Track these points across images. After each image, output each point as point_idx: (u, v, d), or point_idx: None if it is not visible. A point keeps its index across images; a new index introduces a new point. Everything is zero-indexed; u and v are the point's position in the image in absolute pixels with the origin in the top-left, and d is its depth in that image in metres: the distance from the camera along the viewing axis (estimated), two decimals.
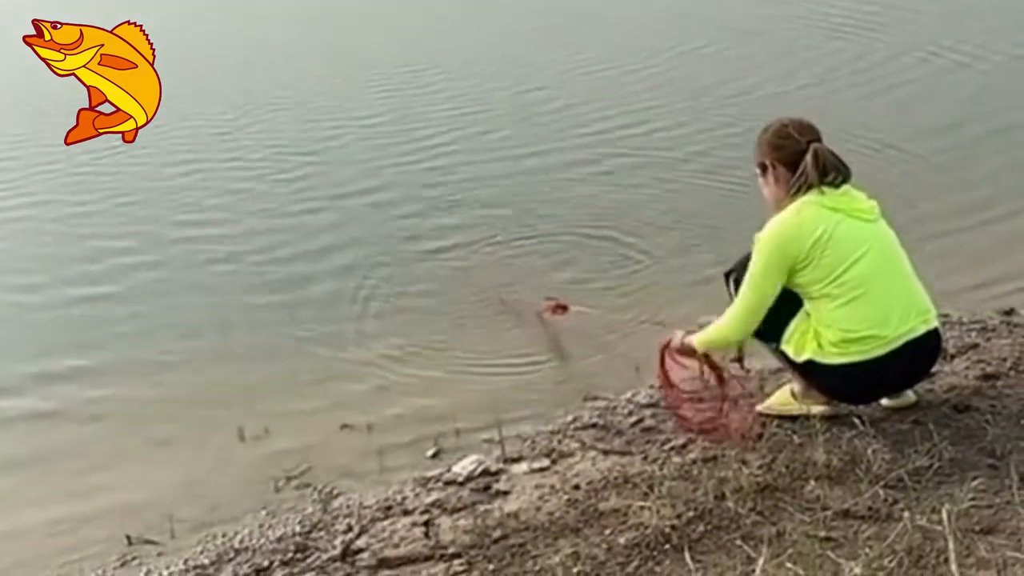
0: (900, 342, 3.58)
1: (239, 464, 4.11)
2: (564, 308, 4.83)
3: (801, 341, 3.65)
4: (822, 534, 3.12)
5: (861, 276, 3.55)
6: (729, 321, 3.74)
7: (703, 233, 5.65)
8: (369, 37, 10.04)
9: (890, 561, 2.95)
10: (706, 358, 3.91)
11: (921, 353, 3.67)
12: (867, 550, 3.00)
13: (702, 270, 5.10)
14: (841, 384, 3.67)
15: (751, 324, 3.71)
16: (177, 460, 4.18)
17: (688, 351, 3.88)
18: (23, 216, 6.67)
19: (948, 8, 9.64)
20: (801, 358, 3.65)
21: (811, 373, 3.68)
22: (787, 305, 3.67)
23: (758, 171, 3.77)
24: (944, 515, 3.06)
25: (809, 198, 3.61)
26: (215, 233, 6.18)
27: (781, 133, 3.71)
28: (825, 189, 3.59)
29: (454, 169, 6.83)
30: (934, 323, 3.68)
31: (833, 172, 3.60)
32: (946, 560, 2.93)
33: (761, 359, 4.08)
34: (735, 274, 3.81)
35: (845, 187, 3.64)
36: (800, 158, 3.62)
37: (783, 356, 3.74)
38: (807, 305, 3.65)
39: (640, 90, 7.97)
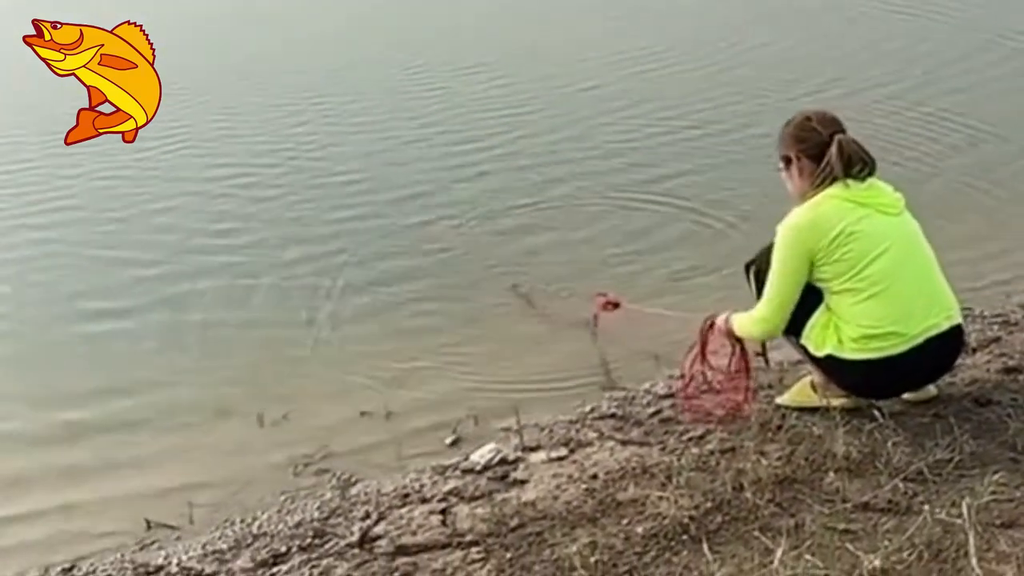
0: (921, 339, 3.55)
1: (258, 450, 4.12)
2: (616, 305, 4.67)
3: (821, 336, 3.62)
4: (841, 526, 3.10)
5: (883, 271, 3.53)
6: (760, 314, 3.73)
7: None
8: (411, 31, 9.80)
9: (909, 554, 2.93)
10: (740, 343, 3.92)
11: (943, 349, 3.65)
12: (886, 543, 2.99)
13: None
14: (861, 380, 3.64)
15: (782, 317, 3.67)
16: (196, 445, 4.19)
17: (728, 332, 3.88)
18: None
19: None
20: (821, 353, 3.63)
21: (831, 368, 3.66)
22: (809, 299, 3.64)
23: (781, 165, 3.74)
24: (964, 509, 3.04)
25: (833, 191, 3.58)
26: (240, 227, 6.17)
27: (804, 126, 3.68)
28: (850, 182, 3.57)
29: (486, 165, 6.74)
30: (957, 319, 3.65)
31: (859, 164, 3.58)
32: (966, 554, 2.92)
33: (780, 351, 4.07)
34: (755, 265, 3.80)
35: (870, 180, 3.61)
36: (824, 150, 3.59)
37: (804, 350, 3.72)
38: (828, 299, 3.63)
39: (705, 87, 7.77)
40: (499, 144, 7.03)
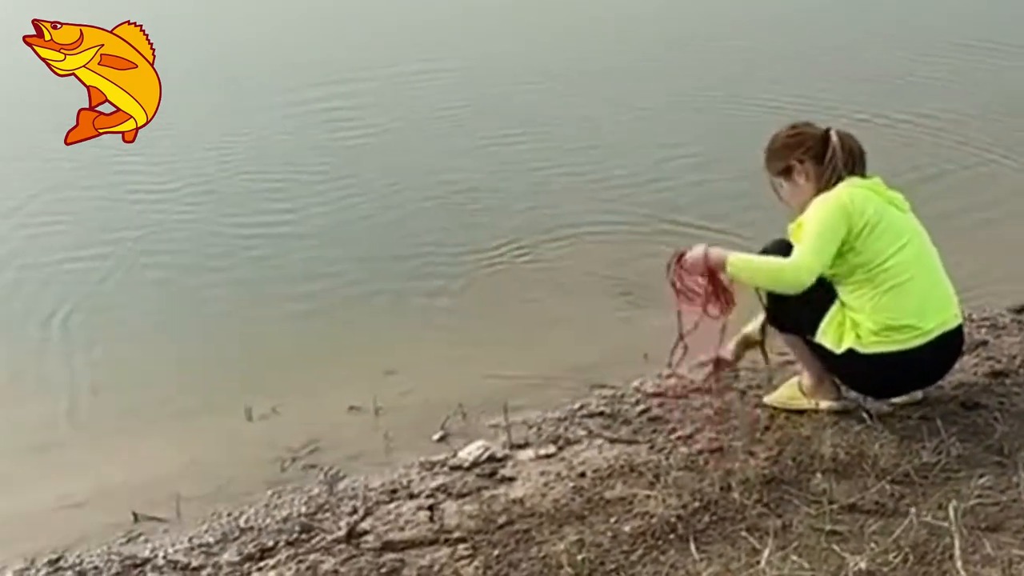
0: (936, 333, 3.56)
1: (246, 443, 4.11)
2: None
3: (839, 332, 3.58)
4: (828, 527, 3.11)
5: (902, 265, 3.53)
6: (801, 261, 3.50)
7: None
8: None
9: (895, 556, 2.95)
10: (715, 281, 3.68)
11: (952, 346, 3.67)
12: (872, 545, 3.00)
13: None
14: (878, 375, 3.62)
15: (818, 271, 3.51)
16: (184, 438, 4.18)
17: (712, 265, 3.62)
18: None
19: None
20: (841, 349, 3.58)
21: (849, 365, 3.61)
22: (821, 298, 3.60)
23: (780, 180, 3.72)
24: (950, 512, 3.06)
25: (854, 180, 3.58)
26: (239, 221, 6.18)
27: (793, 132, 3.71)
28: (854, 179, 3.58)
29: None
30: (960, 317, 3.69)
31: (860, 156, 3.62)
32: (951, 557, 2.93)
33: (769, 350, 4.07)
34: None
35: (875, 178, 3.64)
36: (823, 147, 3.61)
37: (818, 349, 3.65)
38: (842, 294, 3.60)
39: None
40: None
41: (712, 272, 3.65)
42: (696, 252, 3.66)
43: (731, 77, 8.08)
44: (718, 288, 3.69)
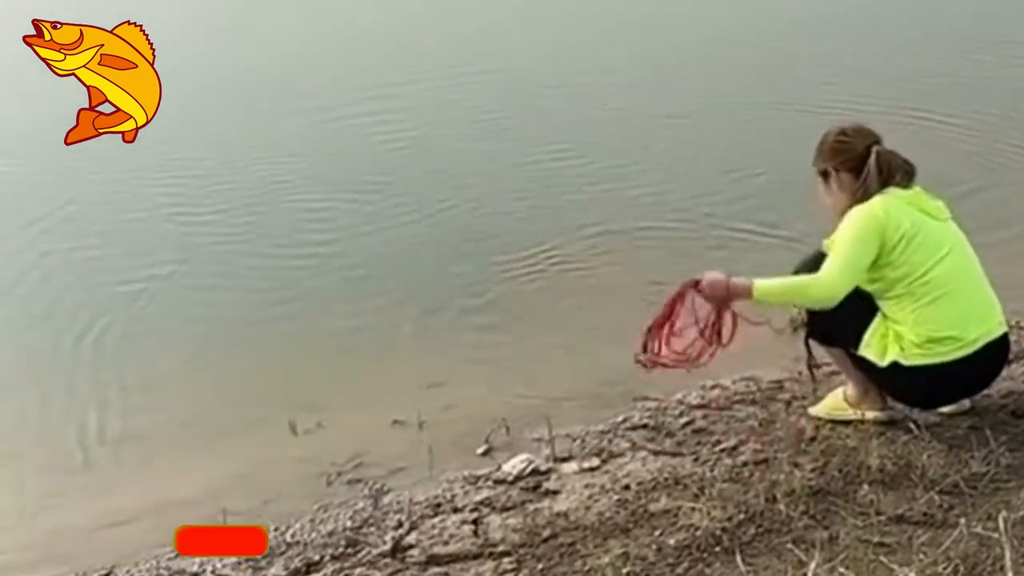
0: (979, 344, 3.53)
1: (291, 458, 4.15)
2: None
3: (882, 344, 3.56)
4: (875, 539, 3.08)
5: (943, 276, 3.50)
6: (829, 277, 3.48)
7: None
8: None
9: (945, 568, 2.91)
10: (720, 314, 3.62)
11: (998, 355, 3.63)
12: (921, 556, 2.97)
13: None
14: (922, 387, 3.59)
15: (849, 286, 3.49)
16: (230, 453, 4.22)
17: (737, 293, 3.55)
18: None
19: None
20: (885, 361, 3.55)
21: (892, 377, 3.59)
22: (863, 310, 3.58)
23: (820, 179, 3.72)
24: (1000, 522, 3.00)
25: (892, 191, 3.55)
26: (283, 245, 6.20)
27: (840, 139, 3.68)
28: (892, 190, 3.55)
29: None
30: (1005, 326, 3.65)
31: (899, 173, 3.57)
32: (1002, 568, 2.89)
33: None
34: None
35: (916, 188, 3.60)
36: (862, 163, 3.58)
37: (860, 362, 3.64)
38: (884, 307, 3.58)
39: None
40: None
41: (720, 307, 3.62)
42: (714, 276, 3.60)
43: (767, 83, 8.02)
44: (721, 321, 3.63)
